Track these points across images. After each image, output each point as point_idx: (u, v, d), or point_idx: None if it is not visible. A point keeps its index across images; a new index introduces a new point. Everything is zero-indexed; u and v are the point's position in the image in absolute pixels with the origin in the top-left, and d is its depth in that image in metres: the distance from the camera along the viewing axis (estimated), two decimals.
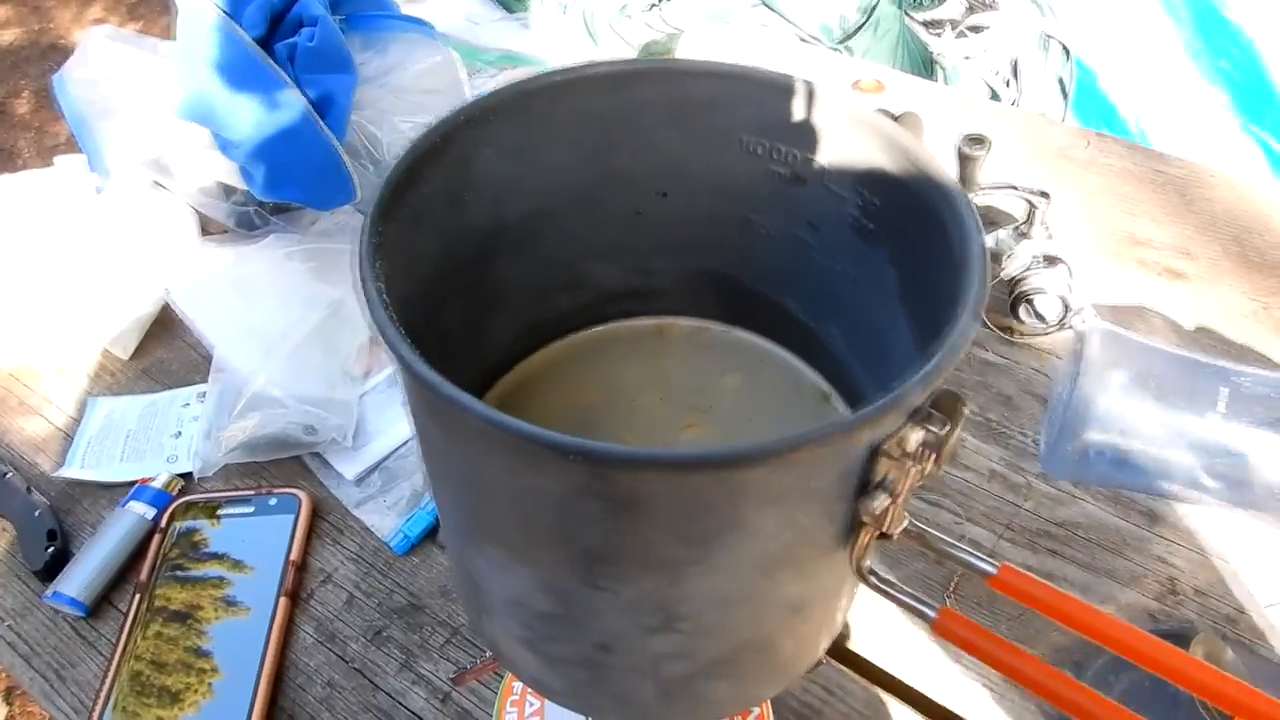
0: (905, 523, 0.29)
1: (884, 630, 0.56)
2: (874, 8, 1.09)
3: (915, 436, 0.25)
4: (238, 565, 0.61)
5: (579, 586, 0.29)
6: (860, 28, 1.09)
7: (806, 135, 0.33)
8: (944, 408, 0.25)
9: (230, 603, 0.59)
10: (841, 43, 1.10)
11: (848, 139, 0.32)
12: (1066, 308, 0.71)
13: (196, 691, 0.55)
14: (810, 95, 0.32)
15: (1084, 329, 0.64)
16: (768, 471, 0.24)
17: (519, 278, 0.38)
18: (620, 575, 0.28)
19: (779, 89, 0.33)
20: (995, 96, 1.34)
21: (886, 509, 0.26)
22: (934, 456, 0.25)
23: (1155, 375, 0.60)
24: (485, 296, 0.38)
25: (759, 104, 0.34)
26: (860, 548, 0.29)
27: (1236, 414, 0.59)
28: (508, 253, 0.37)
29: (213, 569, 0.61)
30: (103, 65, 0.81)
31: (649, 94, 0.35)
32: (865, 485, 0.26)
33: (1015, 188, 0.74)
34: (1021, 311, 0.72)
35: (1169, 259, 0.79)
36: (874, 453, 0.25)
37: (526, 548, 0.29)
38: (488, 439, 0.25)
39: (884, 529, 0.28)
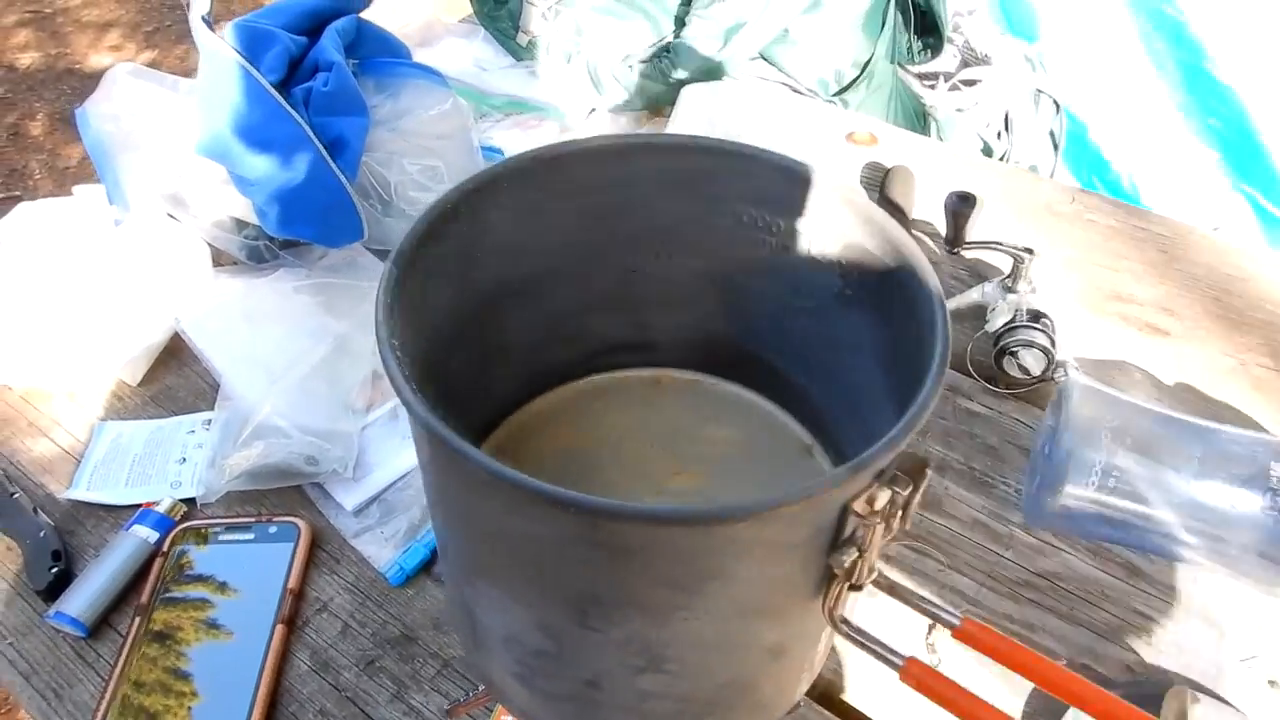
0: (875, 574, 0.31)
1: (863, 672, 0.58)
2: (869, 62, 1.12)
3: (882, 496, 0.27)
4: (223, 588, 0.63)
5: (571, 626, 0.31)
6: (855, 81, 1.13)
7: (796, 210, 0.35)
8: (909, 470, 0.27)
9: (213, 626, 0.61)
10: (837, 95, 1.14)
11: (833, 215, 0.35)
12: (1050, 361, 0.73)
13: (175, 715, 0.56)
14: (800, 174, 0.35)
15: (1066, 383, 0.66)
16: (747, 527, 0.26)
17: (523, 329, 0.41)
18: (610, 617, 0.30)
19: (773, 166, 0.36)
20: (987, 149, 1.37)
21: (855, 562, 0.28)
22: (900, 515, 0.27)
23: (1135, 431, 0.62)
24: (491, 346, 0.40)
25: (754, 178, 0.36)
26: (832, 597, 0.31)
27: (1213, 472, 0.61)
28: (513, 306, 0.40)
29: (196, 591, 0.62)
30: (124, 100, 0.84)
31: (651, 165, 0.37)
32: (836, 540, 0.28)
33: (1001, 244, 0.76)
34: (1006, 364, 0.74)
35: (1151, 315, 0.81)
36: (844, 511, 0.27)
37: (523, 588, 0.31)
38: (490, 488, 0.27)
39: (854, 581, 0.30)
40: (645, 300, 0.42)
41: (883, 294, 0.33)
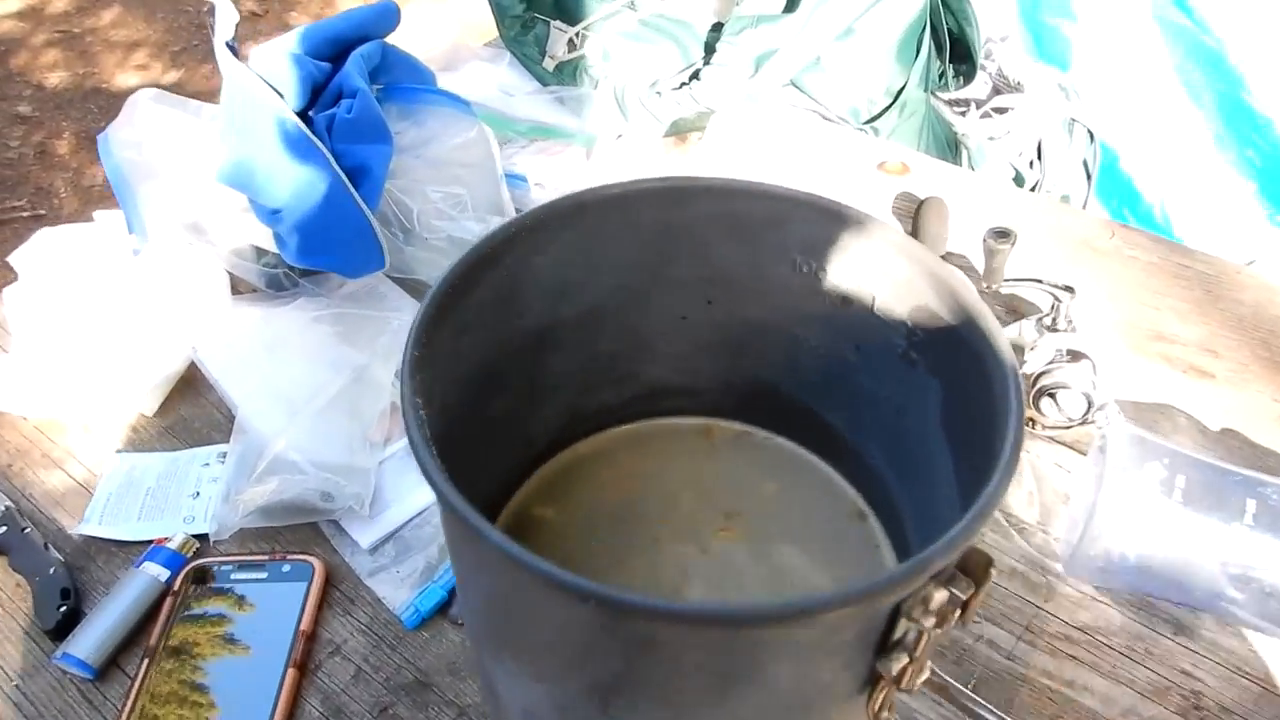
0: (926, 674, 0.28)
1: None
2: (901, 90, 1.11)
3: (939, 596, 0.24)
4: (241, 603, 0.61)
5: (593, 713, 0.29)
6: (887, 109, 1.11)
7: (859, 264, 0.33)
8: (971, 569, 0.24)
9: (230, 641, 0.59)
10: (867, 123, 1.12)
11: (898, 271, 0.33)
12: (1090, 403, 0.71)
13: None
14: (864, 226, 0.33)
15: (1109, 430, 0.64)
16: (788, 629, 0.24)
17: (567, 373, 0.39)
18: (634, 709, 0.28)
19: (835, 216, 0.34)
20: (1019, 177, 1.35)
21: (905, 668, 0.26)
22: (957, 615, 0.24)
23: (1180, 482, 0.60)
24: (534, 389, 0.38)
25: (815, 227, 0.34)
26: (877, 703, 0.28)
27: (1264, 526, 0.58)
28: (557, 350, 0.38)
29: (214, 606, 0.61)
30: (146, 127, 0.83)
31: (706, 209, 0.36)
32: (885, 643, 0.26)
33: (1040, 281, 0.74)
34: (1044, 405, 0.72)
35: (1194, 356, 0.78)
36: (896, 612, 0.25)
37: (544, 668, 0.29)
38: (512, 570, 0.25)
39: (903, 685, 0.28)
40: (696, 348, 0.40)
41: (951, 360, 0.31)
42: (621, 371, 0.42)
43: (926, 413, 0.33)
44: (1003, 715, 0.29)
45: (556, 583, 0.22)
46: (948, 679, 0.29)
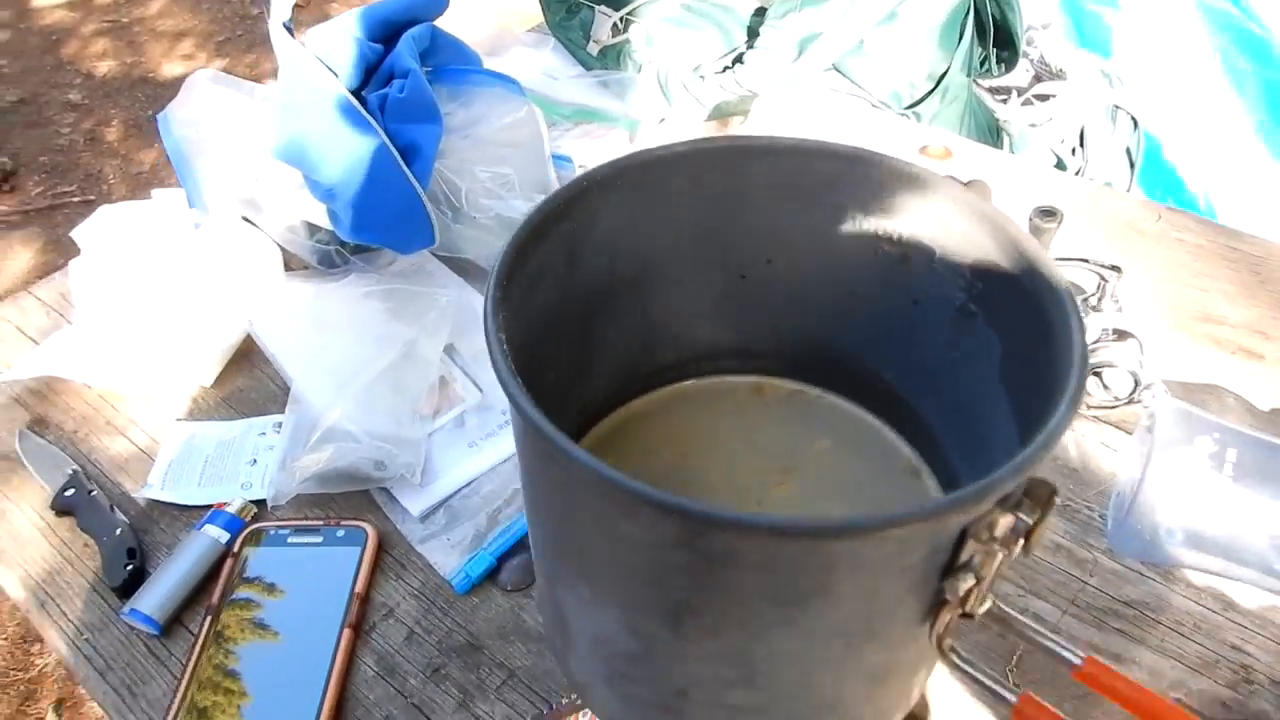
0: (989, 603, 0.29)
1: (955, 706, 0.56)
2: (943, 75, 1.10)
3: (1005, 522, 0.25)
4: (271, 589, 0.63)
5: (665, 633, 0.30)
6: (929, 94, 1.11)
7: (918, 218, 0.34)
8: (1035, 496, 0.25)
9: (260, 626, 0.61)
10: (910, 108, 1.12)
11: (958, 226, 0.33)
12: (1136, 383, 0.71)
13: (225, 712, 0.56)
14: (924, 181, 0.33)
15: (1157, 406, 0.64)
16: (860, 545, 0.25)
17: (626, 330, 0.40)
18: (706, 627, 0.29)
19: (896, 173, 0.34)
20: (1061, 165, 1.34)
21: (971, 590, 0.27)
22: (1022, 542, 0.25)
23: (1231, 456, 0.60)
24: (593, 345, 0.39)
25: (875, 185, 0.35)
26: (942, 625, 0.29)
27: None
28: (617, 307, 0.39)
29: (243, 592, 0.62)
30: (204, 106, 0.85)
31: (765, 169, 0.36)
32: (952, 565, 0.27)
33: (1087, 260, 0.74)
34: (1090, 384, 0.72)
35: (1243, 338, 0.78)
36: (963, 535, 0.26)
37: (617, 590, 0.30)
38: (592, 488, 0.26)
39: (967, 609, 0.28)
40: (752, 306, 0.41)
41: (1013, 311, 0.31)
42: (677, 331, 0.43)
43: (985, 364, 0.33)
44: (1065, 643, 0.30)
45: (640, 497, 0.23)
46: (1009, 610, 0.29)
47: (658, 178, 0.36)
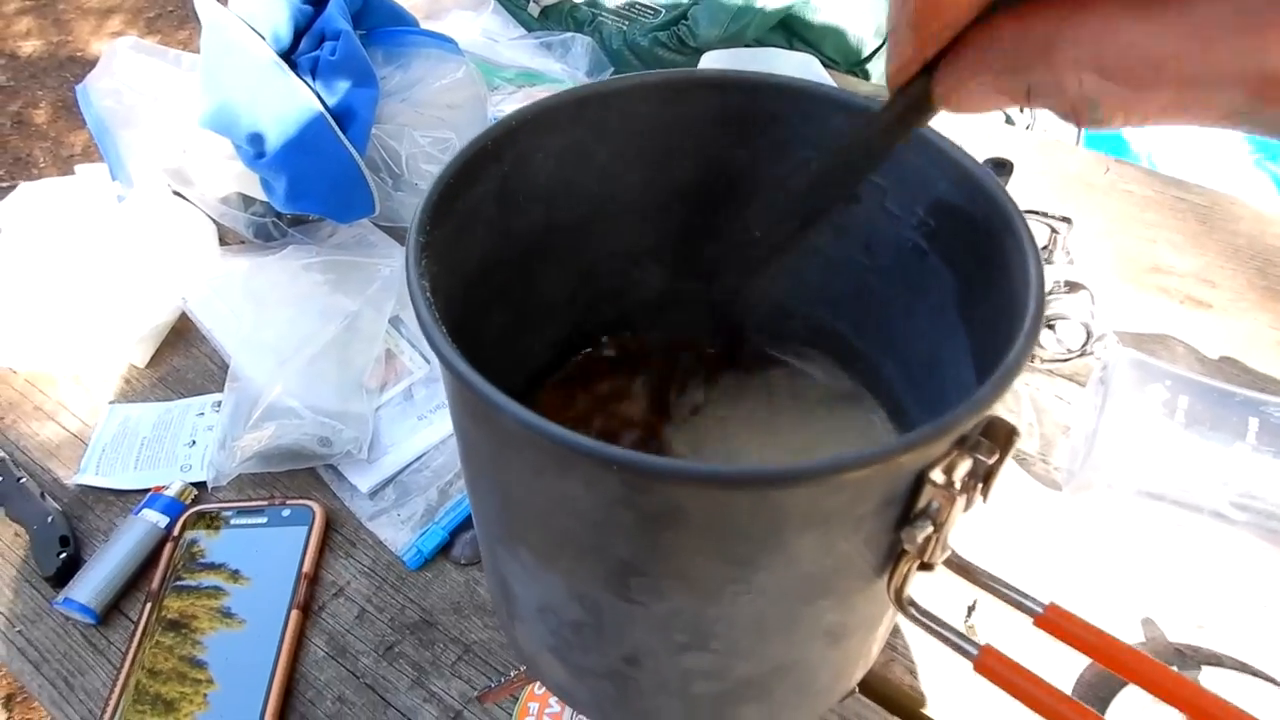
0: (948, 553, 0.28)
1: (923, 661, 0.55)
2: None
3: (963, 464, 0.24)
4: (235, 575, 0.61)
5: (611, 598, 0.28)
6: (877, 51, 1.10)
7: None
8: (994, 436, 0.24)
9: (227, 613, 0.59)
10: (858, 65, 1.11)
11: (907, 159, 0.32)
12: (1089, 334, 0.71)
13: (191, 702, 0.54)
14: (870, 114, 0.32)
15: (1109, 356, 0.63)
16: (811, 493, 0.24)
17: (565, 283, 0.38)
18: (654, 589, 0.28)
19: (840, 105, 0.33)
20: (1008, 120, 1.34)
21: (929, 538, 0.26)
22: (980, 486, 0.24)
23: (1183, 404, 0.60)
24: (530, 301, 0.37)
25: (821, 122, 0.33)
26: (900, 577, 0.28)
27: (1266, 445, 0.58)
28: (555, 258, 0.37)
29: (208, 579, 0.60)
30: (126, 76, 0.81)
31: (709, 105, 0.34)
32: (909, 513, 0.26)
33: (1038, 213, 0.73)
34: (1044, 338, 0.72)
35: (1191, 287, 0.78)
36: (919, 479, 0.25)
37: (560, 554, 0.29)
38: (527, 444, 0.24)
39: (926, 559, 0.27)
40: (697, 257, 0.39)
41: (967, 249, 0.30)
42: (619, 284, 0.41)
43: (942, 311, 0.32)
44: (1027, 592, 0.29)
45: (578, 450, 0.22)
46: (969, 560, 0.29)
47: (593, 117, 0.34)
